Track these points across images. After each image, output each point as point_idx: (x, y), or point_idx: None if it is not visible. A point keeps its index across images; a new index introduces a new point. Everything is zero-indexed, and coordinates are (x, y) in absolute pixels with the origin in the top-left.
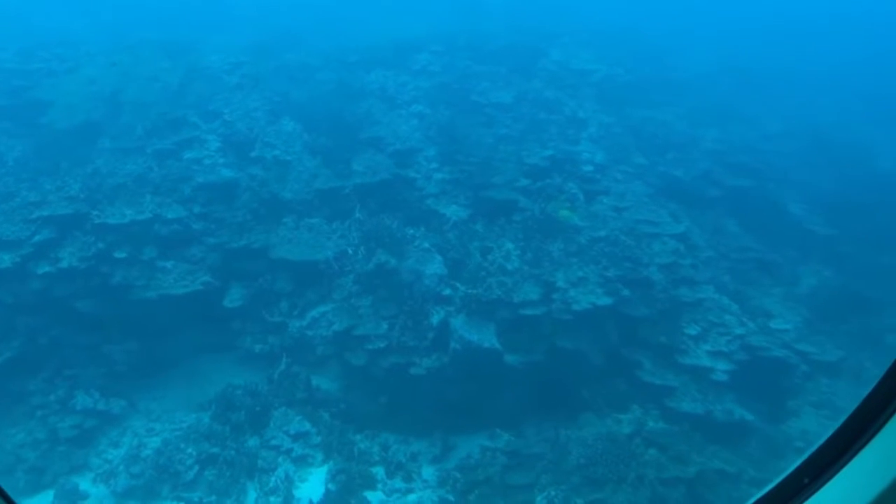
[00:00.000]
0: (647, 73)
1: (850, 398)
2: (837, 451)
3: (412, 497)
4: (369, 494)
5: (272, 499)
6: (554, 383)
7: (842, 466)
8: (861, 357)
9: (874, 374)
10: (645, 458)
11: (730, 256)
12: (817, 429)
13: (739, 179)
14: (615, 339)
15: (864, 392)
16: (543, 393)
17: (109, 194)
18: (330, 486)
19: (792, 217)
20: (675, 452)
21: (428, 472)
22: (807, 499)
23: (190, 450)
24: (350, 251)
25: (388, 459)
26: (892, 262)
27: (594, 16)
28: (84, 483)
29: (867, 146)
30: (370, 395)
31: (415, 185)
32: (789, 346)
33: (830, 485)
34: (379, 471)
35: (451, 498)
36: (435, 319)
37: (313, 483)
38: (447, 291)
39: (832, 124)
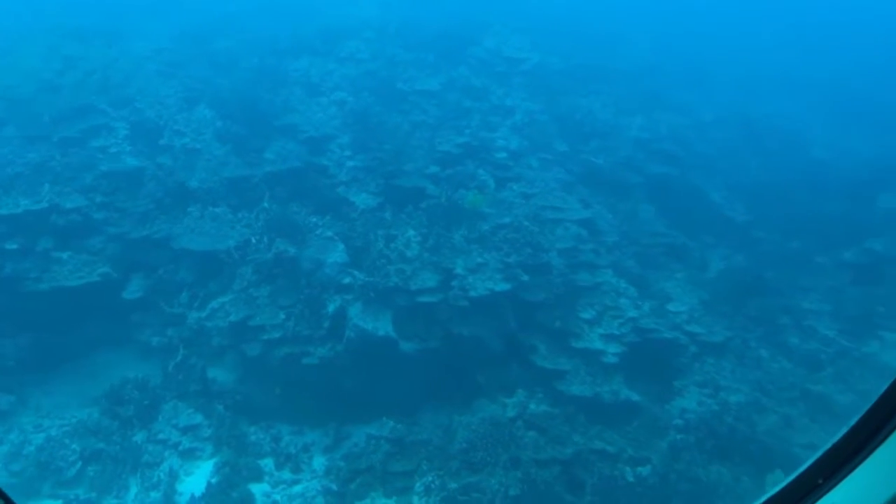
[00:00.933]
0: (584, 62)
1: (731, 377)
2: (852, 450)
3: (298, 488)
4: (254, 487)
5: (153, 494)
6: (450, 370)
7: (857, 465)
8: (748, 337)
9: (758, 353)
10: (524, 441)
11: (640, 242)
12: (696, 407)
13: (662, 167)
14: (513, 324)
15: (747, 370)
16: (439, 380)
17: (5, 184)
18: (214, 479)
19: (712, 203)
20: (554, 434)
21: (319, 462)
22: (820, 498)
23: (74, 446)
24: (254, 240)
25: (279, 451)
26: (800, 247)
27: (541, 7)
28: None
29: (804, 135)
30: (265, 386)
31: (326, 173)
32: (680, 328)
33: (845, 484)
34: (268, 462)
35: (333, 487)
36: (331, 308)
37: (199, 477)
38: (347, 280)
39: (771, 114)
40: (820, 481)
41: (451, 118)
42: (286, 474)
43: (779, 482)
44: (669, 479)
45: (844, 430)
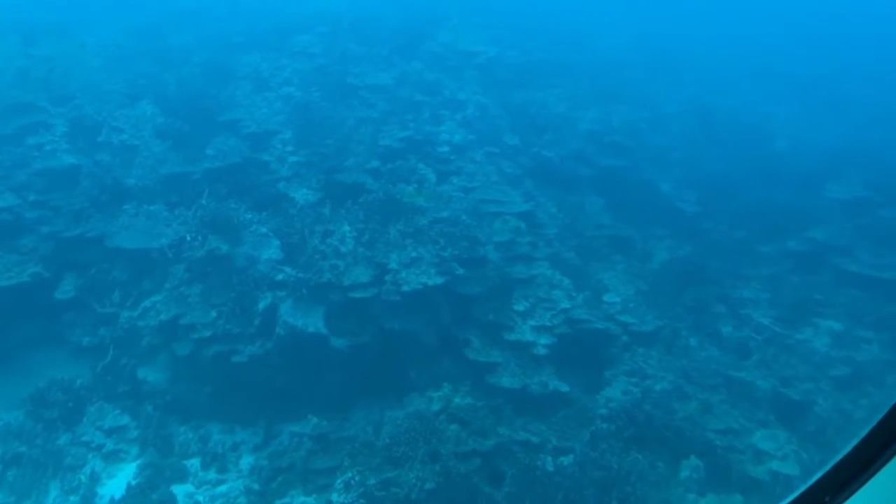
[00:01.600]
0: (546, 57)
1: (658, 366)
2: (860, 466)
3: (222, 488)
4: (177, 487)
5: (72, 497)
6: (382, 365)
7: (865, 482)
8: (680, 326)
9: (688, 342)
10: (446, 434)
11: (584, 234)
12: (621, 396)
13: (613, 159)
14: (447, 318)
15: (674, 359)
16: (371, 376)
17: None
18: (135, 481)
19: (662, 195)
20: (477, 427)
21: (247, 461)
22: None
23: None
24: (189, 238)
25: (207, 450)
26: (744, 237)
27: (513, 3)
28: None
29: (769, 128)
30: (196, 386)
31: (268, 169)
32: (613, 319)
33: (852, 501)
34: (195, 462)
35: (255, 487)
36: (262, 306)
37: (121, 479)
38: (280, 276)
39: (737, 107)
40: (827, 499)
41: (398, 113)
42: (212, 474)
43: (695, 468)
44: (586, 468)
45: (852, 444)
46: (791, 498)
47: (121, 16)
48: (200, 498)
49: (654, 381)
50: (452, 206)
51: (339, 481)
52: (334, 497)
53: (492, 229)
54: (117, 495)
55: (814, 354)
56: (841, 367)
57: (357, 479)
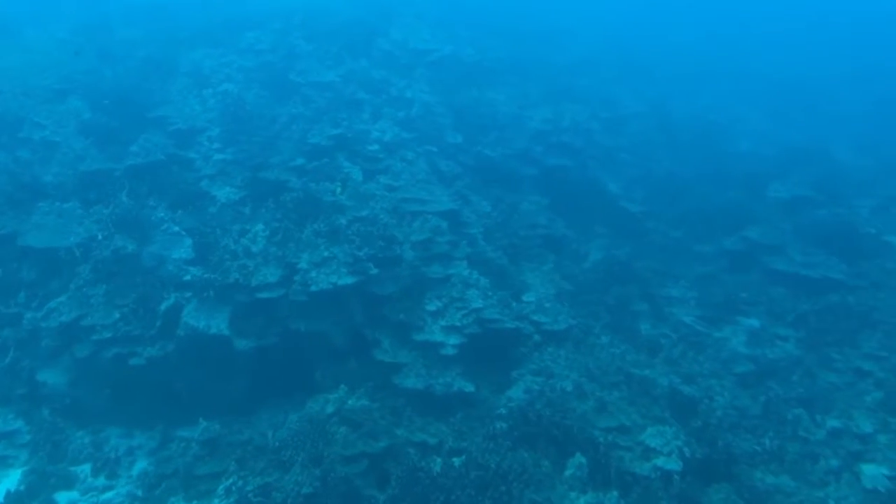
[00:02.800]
0: (505, 55)
1: (564, 364)
2: None
3: (108, 495)
4: (61, 495)
5: None
6: (288, 367)
7: None
8: (594, 324)
9: (599, 340)
10: (335, 437)
11: (517, 233)
12: (522, 395)
13: (559, 158)
14: (359, 318)
15: (581, 357)
16: (276, 378)
17: None
18: (17, 488)
19: (608, 195)
20: (368, 429)
21: (141, 466)
22: None
23: None
24: (100, 237)
25: (100, 456)
26: (683, 236)
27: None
28: None
29: (734, 129)
30: (95, 389)
31: (192, 167)
32: (526, 318)
33: None
34: (85, 468)
35: (139, 493)
36: (165, 307)
37: (6, 486)
38: (188, 277)
39: (705, 108)
40: None
41: (334, 111)
42: (101, 480)
43: (579, 466)
44: (470, 469)
45: None
46: None
47: (74, 11)
48: None
49: (557, 380)
50: (373, 205)
51: (221, 487)
52: (215, 503)
53: (410, 228)
54: None
55: (724, 352)
56: (747, 364)
57: (238, 484)
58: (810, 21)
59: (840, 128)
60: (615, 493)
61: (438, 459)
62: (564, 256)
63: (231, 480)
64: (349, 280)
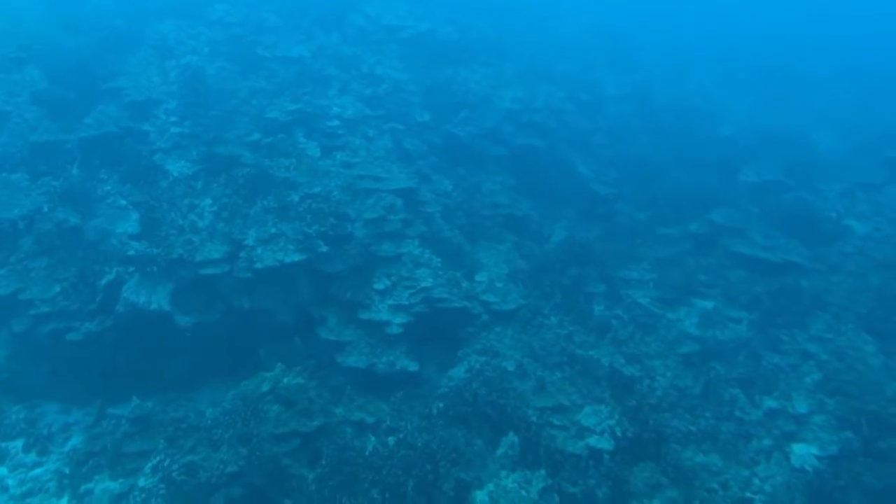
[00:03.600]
0: (487, 34)
1: (510, 344)
2: None
3: (37, 471)
4: None
5: None
6: (231, 344)
7: None
8: (543, 305)
9: (547, 321)
10: (268, 416)
11: (479, 213)
12: (463, 375)
13: (529, 139)
14: (306, 296)
15: (528, 337)
16: (219, 355)
17: None
18: None
19: (578, 177)
20: (303, 408)
21: (74, 442)
22: None
23: None
24: (46, 209)
25: (34, 432)
26: (650, 219)
27: None
28: None
29: (719, 114)
30: (33, 364)
31: (146, 140)
32: (476, 298)
33: None
34: (17, 444)
35: (66, 470)
36: (105, 281)
37: None
38: (131, 252)
39: (690, 92)
40: None
41: (296, 86)
42: (31, 457)
43: (511, 445)
44: (400, 448)
45: None
46: None
47: None
48: (11, 482)
49: (501, 360)
50: (327, 182)
51: (148, 465)
52: (141, 481)
53: (364, 206)
54: None
55: (673, 333)
56: (694, 345)
57: (166, 462)
58: (803, 10)
59: (825, 115)
60: (543, 471)
61: (373, 438)
62: (526, 237)
63: (159, 459)
64: (296, 257)
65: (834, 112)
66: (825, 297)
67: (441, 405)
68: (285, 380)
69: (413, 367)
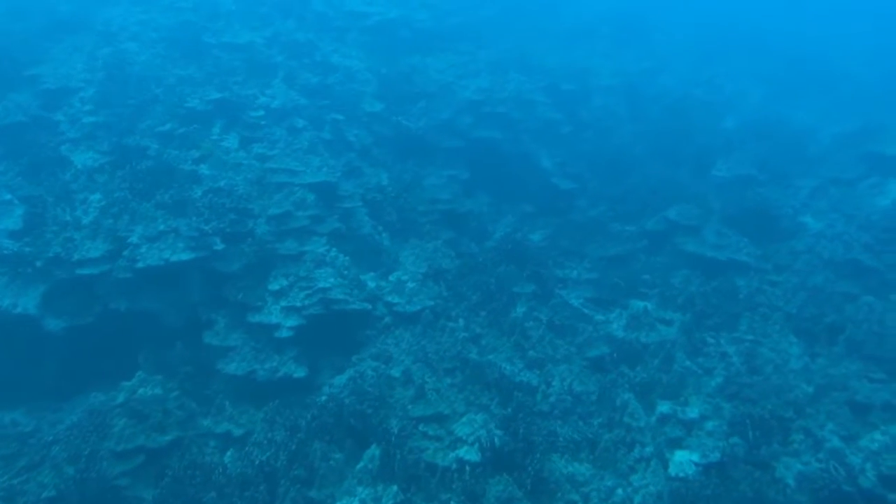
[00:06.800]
0: (467, 20)
1: (406, 348)
2: None
3: None
4: None
5: None
6: (109, 350)
7: None
8: (455, 307)
9: (454, 324)
10: (112, 431)
11: (415, 209)
12: (345, 382)
13: (489, 131)
14: (196, 297)
15: (425, 341)
16: (95, 361)
17: None
18: None
19: (539, 171)
20: (155, 421)
21: None
22: None
23: None
24: None
25: None
26: (607, 216)
27: None
28: None
29: (726, 105)
30: None
31: (56, 130)
32: (380, 299)
33: None
34: None
35: None
36: None
37: None
38: (6, 251)
39: (698, 82)
40: None
41: (230, 73)
42: None
43: (371, 458)
44: (252, 461)
45: None
46: None
47: None
48: None
49: (390, 366)
50: (234, 176)
51: None
52: None
53: (271, 201)
54: None
55: (593, 335)
56: (606, 347)
57: None
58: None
59: (840, 108)
60: (395, 487)
61: (229, 453)
62: (465, 233)
63: None
64: (186, 256)
65: (850, 105)
66: (758, 297)
67: (309, 416)
68: (141, 390)
69: (300, 373)
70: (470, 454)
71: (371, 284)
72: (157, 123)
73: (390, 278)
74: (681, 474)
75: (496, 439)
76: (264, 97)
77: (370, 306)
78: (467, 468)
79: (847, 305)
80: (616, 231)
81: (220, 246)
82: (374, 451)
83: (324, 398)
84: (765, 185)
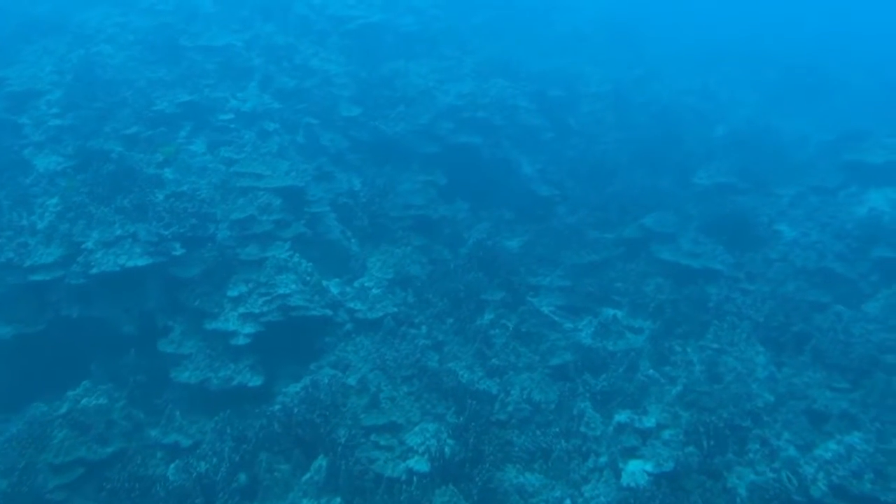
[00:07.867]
0: (455, 24)
1: (364, 356)
2: None
3: None
4: None
5: None
6: (60, 358)
7: None
8: (417, 313)
9: (416, 331)
10: (51, 443)
11: (387, 214)
12: (298, 391)
13: (469, 136)
14: (153, 303)
15: (384, 348)
16: (46, 369)
17: None
18: None
19: (519, 178)
20: (98, 432)
21: None
22: None
23: None
24: None
25: None
26: (585, 223)
27: None
28: None
29: (717, 112)
30: None
31: (20, 132)
32: (341, 305)
33: None
34: None
35: None
36: None
37: None
38: None
39: (690, 90)
40: None
41: (202, 76)
42: None
43: (318, 469)
44: (193, 476)
45: None
46: None
47: None
48: None
49: (348, 374)
50: (197, 179)
51: None
52: None
53: (234, 206)
54: None
55: (558, 343)
56: (570, 355)
57: None
58: (836, 5)
59: (834, 117)
60: (338, 499)
61: (172, 465)
62: (439, 240)
63: None
64: (143, 261)
65: (846, 114)
66: (727, 305)
67: (257, 426)
68: (84, 400)
69: (256, 381)
70: (420, 464)
71: (334, 290)
72: (122, 126)
73: (354, 284)
74: (632, 484)
75: (447, 449)
76: (235, 100)
77: (331, 313)
78: (415, 479)
79: (815, 314)
80: (593, 238)
81: (179, 251)
82: (321, 461)
83: (277, 407)
84: (745, 194)
